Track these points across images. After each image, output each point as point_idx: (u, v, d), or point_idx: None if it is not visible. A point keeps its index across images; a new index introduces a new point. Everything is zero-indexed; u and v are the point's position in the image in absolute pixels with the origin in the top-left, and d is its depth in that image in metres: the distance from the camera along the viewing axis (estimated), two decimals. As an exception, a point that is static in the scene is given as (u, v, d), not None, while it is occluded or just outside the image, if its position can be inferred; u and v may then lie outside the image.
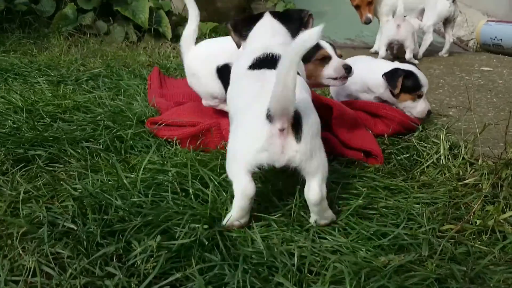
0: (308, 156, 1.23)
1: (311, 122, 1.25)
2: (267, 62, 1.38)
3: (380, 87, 2.14)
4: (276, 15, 1.58)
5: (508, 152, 1.59)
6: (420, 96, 2.10)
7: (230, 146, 1.29)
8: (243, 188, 1.23)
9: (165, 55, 3.66)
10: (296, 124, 1.21)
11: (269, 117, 1.19)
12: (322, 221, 1.32)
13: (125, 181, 1.33)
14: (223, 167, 1.43)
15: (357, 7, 3.93)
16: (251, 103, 1.28)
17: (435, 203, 1.49)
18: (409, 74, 2.08)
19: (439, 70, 3.36)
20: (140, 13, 4.34)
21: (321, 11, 5.64)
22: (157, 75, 2.67)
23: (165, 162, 1.51)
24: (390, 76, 2.10)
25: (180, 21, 5.10)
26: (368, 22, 3.87)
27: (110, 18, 4.30)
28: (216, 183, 1.41)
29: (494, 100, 2.52)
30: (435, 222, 1.38)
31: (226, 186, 1.41)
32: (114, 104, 2.18)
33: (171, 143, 1.80)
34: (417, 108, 2.09)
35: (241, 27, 1.58)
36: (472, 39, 4.87)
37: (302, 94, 1.28)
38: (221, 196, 1.38)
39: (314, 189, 1.25)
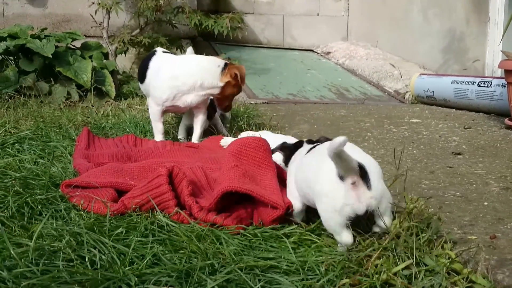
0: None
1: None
2: None
3: None
4: None
5: (407, 204, 1.64)
6: None
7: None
8: (344, 240, 1.52)
9: (104, 114, 3.67)
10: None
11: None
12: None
13: (11, 251, 1.30)
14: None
15: None
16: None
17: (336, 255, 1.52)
18: None
19: (370, 123, 3.49)
20: (83, 73, 4.39)
21: (267, 67, 5.84)
22: (86, 135, 2.66)
23: (63, 229, 1.49)
24: None
25: (126, 79, 5.17)
26: None
27: (52, 79, 4.32)
28: (110, 248, 1.40)
29: (414, 152, 2.63)
30: (334, 275, 1.40)
31: (122, 250, 1.40)
32: (35, 167, 2.15)
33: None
34: None
35: None
36: (407, 91, 5.12)
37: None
38: (123, 259, 1.37)
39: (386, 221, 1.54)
